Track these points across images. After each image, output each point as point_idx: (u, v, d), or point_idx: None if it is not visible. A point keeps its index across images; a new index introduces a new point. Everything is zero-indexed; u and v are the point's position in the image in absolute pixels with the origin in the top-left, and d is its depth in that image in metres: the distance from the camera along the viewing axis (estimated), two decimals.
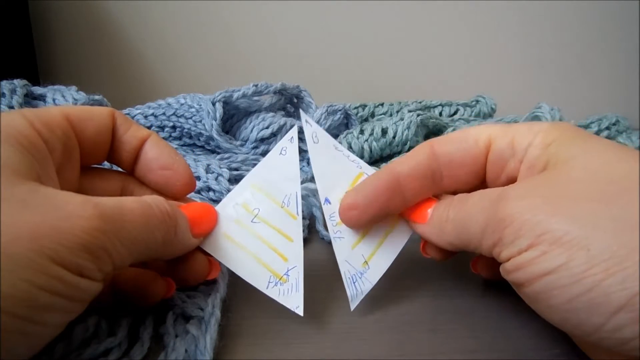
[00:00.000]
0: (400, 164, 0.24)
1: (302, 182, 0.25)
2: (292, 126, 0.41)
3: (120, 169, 0.24)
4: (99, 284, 0.17)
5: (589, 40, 0.76)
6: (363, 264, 0.24)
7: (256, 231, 0.24)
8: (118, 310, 0.22)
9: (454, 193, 0.25)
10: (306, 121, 0.26)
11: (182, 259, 0.22)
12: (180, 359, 0.19)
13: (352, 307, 0.23)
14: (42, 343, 0.16)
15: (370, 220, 0.24)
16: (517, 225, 0.18)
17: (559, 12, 0.74)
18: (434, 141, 0.24)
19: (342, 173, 0.26)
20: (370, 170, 0.26)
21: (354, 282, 0.23)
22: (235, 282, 0.24)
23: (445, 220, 0.22)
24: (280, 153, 0.26)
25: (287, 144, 0.26)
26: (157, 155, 0.23)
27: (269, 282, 0.23)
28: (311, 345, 0.22)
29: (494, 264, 0.24)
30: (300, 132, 0.34)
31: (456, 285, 0.26)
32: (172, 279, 0.23)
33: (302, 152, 0.32)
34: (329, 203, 0.25)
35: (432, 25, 0.76)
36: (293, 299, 0.22)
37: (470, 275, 0.26)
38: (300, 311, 0.22)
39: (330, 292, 0.25)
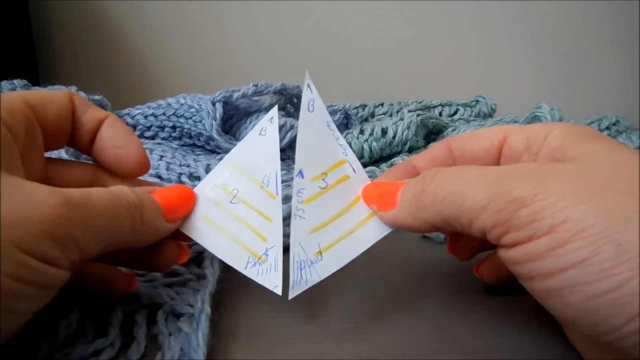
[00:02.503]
0: (417, 157, 0.25)
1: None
2: (292, 126, 0.41)
3: (90, 162, 0.24)
4: (66, 272, 0.17)
5: (589, 40, 0.76)
6: (316, 253, 0.22)
7: (235, 212, 0.23)
8: (107, 308, 0.22)
9: None
10: (308, 85, 0.24)
11: (152, 245, 0.22)
12: (176, 359, 0.19)
13: (291, 295, 0.21)
14: (9, 331, 0.16)
15: None
16: (537, 207, 0.16)
17: (559, 12, 0.75)
18: (450, 138, 0.25)
19: (325, 152, 0.24)
20: (355, 161, 0.25)
21: (300, 269, 0.21)
22: (236, 283, 0.24)
23: (422, 192, 0.20)
24: (260, 134, 0.25)
25: (267, 124, 0.25)
26: (112, 135, 0.23)
27: (248, 262, 0.22)
28: (311, 345, 0.22)
29: (498, 269, 0.24)
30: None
31: (456, 285, 0.26)
32: (144, 265, 0.23)
33: None
34: (302, 177, 0.23)
35: (432, 26, 0.76)
36: (271, 279, 0.22)
37: (471, 275, 0.26)
38: (278, 290, 0.21)
39: (329, 291, 0.25)
